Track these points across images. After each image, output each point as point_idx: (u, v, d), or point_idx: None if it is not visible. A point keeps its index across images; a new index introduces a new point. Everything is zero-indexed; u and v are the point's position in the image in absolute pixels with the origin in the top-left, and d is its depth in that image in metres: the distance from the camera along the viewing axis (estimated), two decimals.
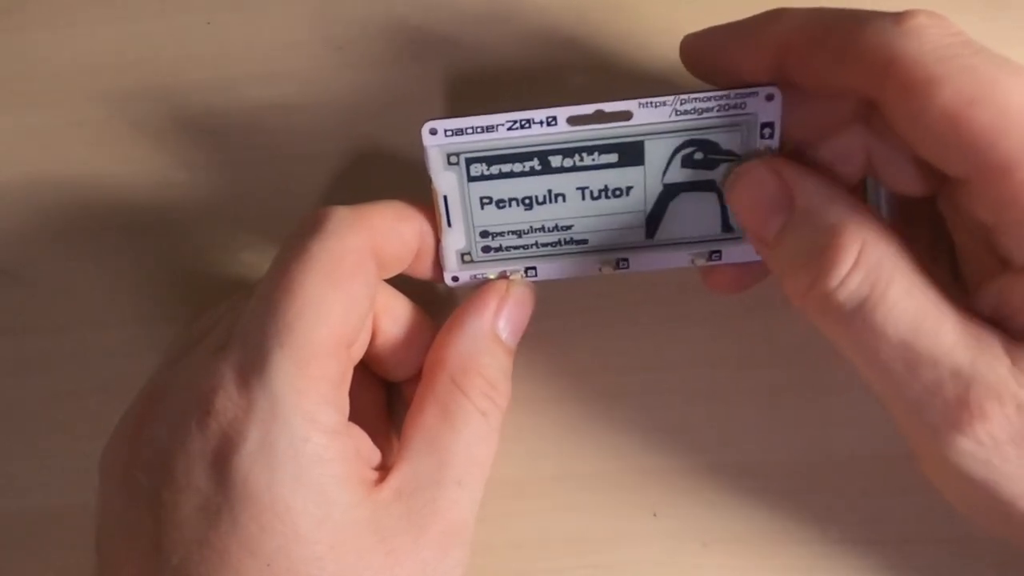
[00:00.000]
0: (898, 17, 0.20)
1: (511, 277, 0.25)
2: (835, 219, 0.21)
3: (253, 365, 0.21)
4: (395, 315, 0.25)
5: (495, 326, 0.24)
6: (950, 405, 0.19)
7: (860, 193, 0.27)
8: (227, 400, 0.21)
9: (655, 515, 0.28)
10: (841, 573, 0.27)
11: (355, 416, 0.23)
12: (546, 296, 0.26)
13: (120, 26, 0.29)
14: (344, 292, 0.22)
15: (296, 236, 0.22)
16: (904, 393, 0.20)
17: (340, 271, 0.22)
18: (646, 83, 0.28)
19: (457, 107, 0.28)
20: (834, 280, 0.20)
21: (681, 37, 0.24)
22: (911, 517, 0.27)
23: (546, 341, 0.28)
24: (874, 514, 0.27)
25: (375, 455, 0.23)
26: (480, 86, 0.28)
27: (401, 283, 0.26)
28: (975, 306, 0.21)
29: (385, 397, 0.27)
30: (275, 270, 0.22)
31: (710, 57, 0.24)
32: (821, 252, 0.21)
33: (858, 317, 0.20)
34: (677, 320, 0.28)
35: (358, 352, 0.24)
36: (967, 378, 0.19)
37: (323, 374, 0.21)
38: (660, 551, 0.27)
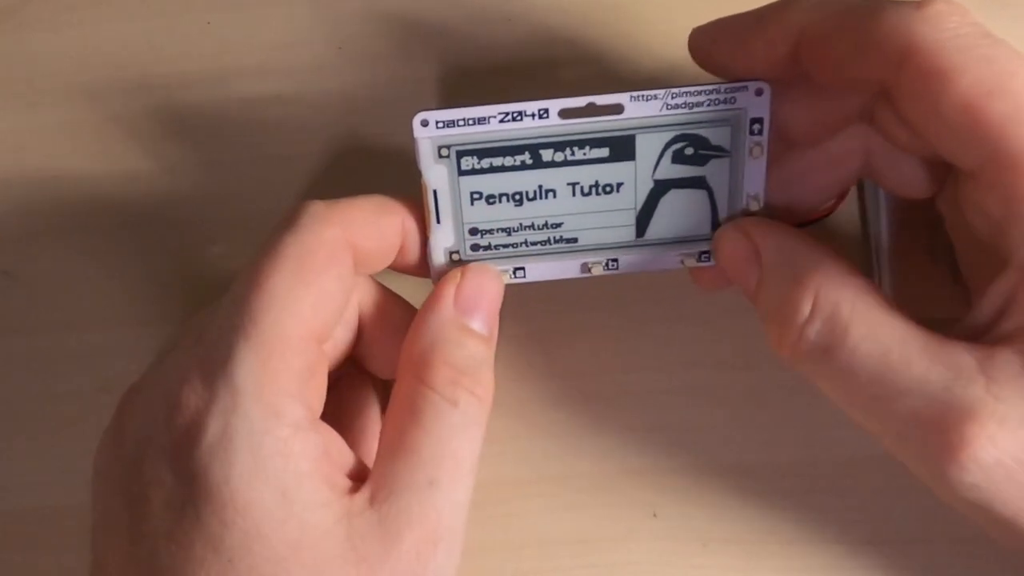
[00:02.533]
0: (917, 4, 0.20)
1: (468, 265, 0.25)
2: (792, 272, 0.22)
3: (218, 358, 0.21)
4: (380, 309, 0.25)
5: (457, 315, 0.23)
6: (930, 434, 0.19)
7: (857, 195, 0.27)
8: (192, 393, 0.20)
9: (655, 515, 0.28)
10: (841, 573, 0.27)
11: (345, 417, 0.23)
12: (546, 295, 0.26)
13: (120, 26, 0.29)
14: (314, 285, 0.21)
15: (271, 232, 0.22)
16: (886, 429, 0.20)
17: (310, 264, 0.21)
18: (644, 80, 0.28)
19: (454, 104, 0.28)
20: (793, 332, 0.21)
21: (678, 33, 0.24)
22: (911, 517, 0.27)
23: (545, 341, 0.28)
24: (874, 514, 0.27)
25: (349, 458, 0.22)
26: (477, 84, 0.28)
27: (394, 279, 0.26)
28: (980, 309, 0.21)
29: (380, 398, 0.27)
30: (247, 266, 0.22)
31: (721, 50, 0.23)
32: (782, 306, 0.21)
33: (825, 363, 0.21)
34: (677, 320, 0.28)
35: (340, 349, 0.24)
36: (943, 405, 0.19)
37: (288, 368, 0.21)
38: (660, 551, 0.27)
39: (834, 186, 0.24)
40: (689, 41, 0.24)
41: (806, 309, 0.21)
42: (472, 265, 0.24)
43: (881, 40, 0.20)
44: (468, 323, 0.23)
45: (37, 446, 0.29)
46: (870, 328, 0.20)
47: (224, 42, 0.29)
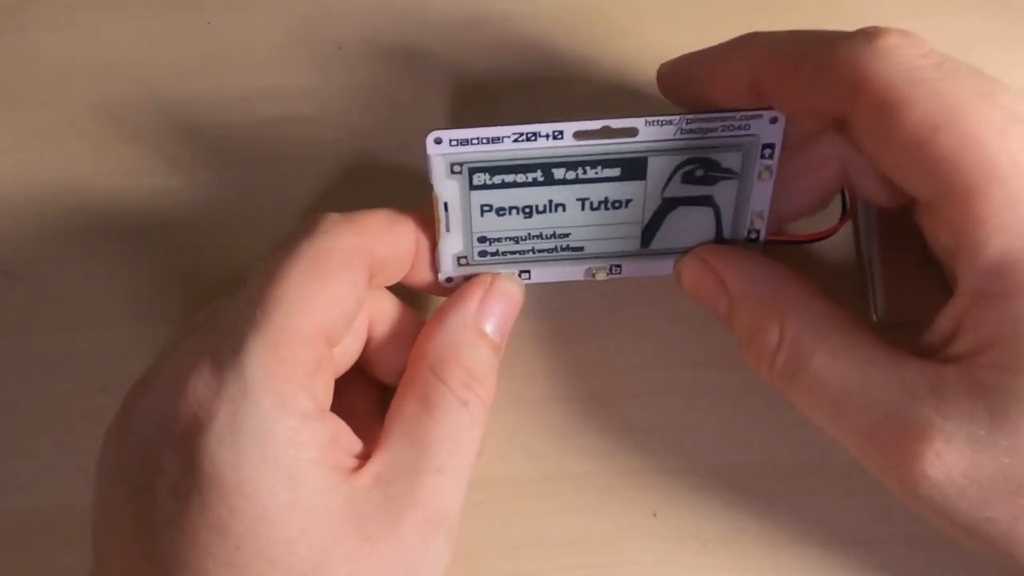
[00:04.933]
0: (869, 36, 0.20)
1: (499, 273, 0.25)
2: (758, 301, 0.23)
3: (228, 349, 0.21)
4: (391, 320, 0.25)
5: (478, 319, 0.24)
6: (887, 450, 0.20)
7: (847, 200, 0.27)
8: (199, 382, 0.21)
9: (655, 515, 0.28)
10: (841, 573, 0.27)
11: (346, 418, 0.23)
12: (546, 296, 0.26)
13: (120, 26, 0.29)
14: (327, 286, 0.22)
15: (288, 238, 0.23)
16: (850, 444, 0.21)
17: (325, 265, 0.22)
18: (647, 94, 0.28)
19: (457, 110, 0.28)
20: (765, 363, 0.22)
21: (681, 46, 0.24)
22: (911, 517, 0.27)
23: (545, 340, 0.28)
24: (874, 514, 0.27)
25: (356, 444, 0.23)
26: (479, 89, 0.28)
27: (398, 288, 0.26)
28: (935, 328, 0.21)
29: (380, 401, 0.27)
30: (262, 267, 0.22)
31: (686, 83, 0.24)
32: (752, 336, 0.23)
33: (793, 386, 0.22)
34: (677, 320, 0.28)
35: (349, 356, 0.25)
36: (897, 422, 0.20)
37: (297, 359, 0.21)
38: (660, 551, 0.27)
39: (815, 193, 0.25)
40: (657, 75, 0.25)
41: (774, 340, 0.22)
42: (502, 275, 0.25)
43: (833, 75, 0.20)
44: (485, 328, 0.24)
45: (37, 446, 0.29)
46: (832, 353, 0.21)
47: (224, 42, 0.29)
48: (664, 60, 0.25)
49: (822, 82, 0.21)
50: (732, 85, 0.23)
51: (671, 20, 0.28)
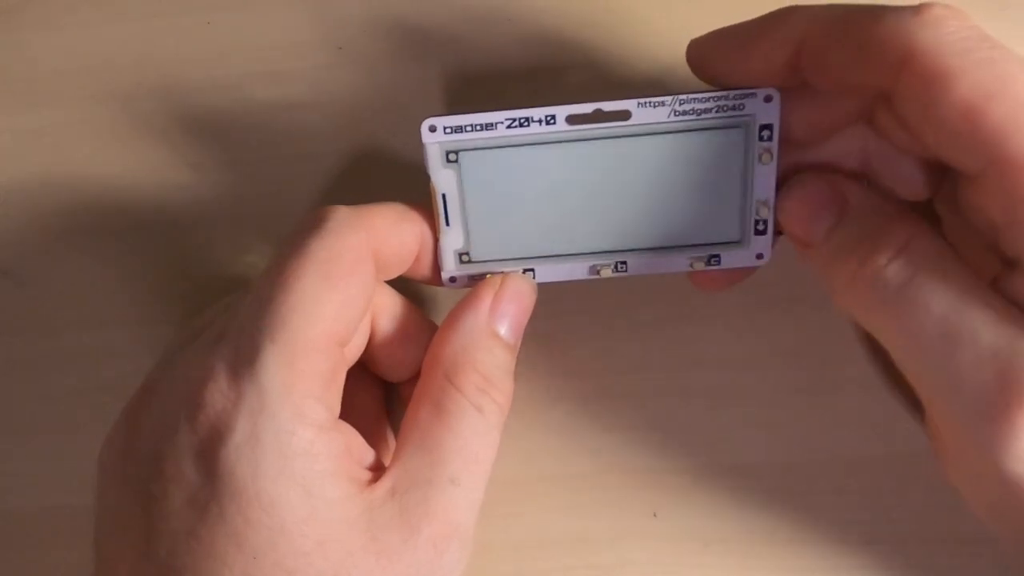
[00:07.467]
0: (916, 9, 0.20)
1: (509, 273, 0.25)
2: (883, 213, 0.22)
3: (244, 359, 0.21)
4: (393, 315, 0.25)
5: (491, 321, 0.24)
6: (991, 387, 0.19)
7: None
8: (216, 392, 0.21)
9: (655, 515, 0.28)
10: (841, 573, 0.27)
11: (352, 416, 0.23)
12: (547, 296, 0.26)
13: (120, 26, 0.29)
14: (340, 290, 0.22)
15: (295, 233, 0.22)
16: (945, 374, 0.20)
17: (337, 269, 0.22)
18: (645, 83, 0.28)
19: (457, 107, 0.28)
20: (883, 258, 0.21)
21: (680, 35, 0.24)
22: (911, 517, 0.27)
23: (547, 341, 0.28)
24: (874, 514, 0.27)
25: (368, 454, 0.23)
26: (480, 86, 0.28)
27: (400, 283, 0.26)
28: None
29: (383, 398, 0.27)
30: (272, 266, 0.22)
31: (720, 61, 0.23)
32: (874, 234, 0.21)
33: (903, 295, 0.20)
34: (678, 320, 0.28)
35: (354, 352, 0.24)
36: (1007, 358, 0.19)
37: (313, 370, 0.21)
38: (660, 551, 0.27)
39: None
40: (687, 52, 0.24)
41: (900, 241, 0.21)
42: (512, 274, 0.25)
43: (880, 45, 0.20)
44: (498, 330, 0.24)
45: (37, 446, 0.29)
46: (952, 272, 0.20)
47: (224, 43, 0.29)
48: (665, 45, 0.25)
49: (868, 53, 0.20)
50: (771, 61, 0.22)
51: (679, 8, 0.28)
